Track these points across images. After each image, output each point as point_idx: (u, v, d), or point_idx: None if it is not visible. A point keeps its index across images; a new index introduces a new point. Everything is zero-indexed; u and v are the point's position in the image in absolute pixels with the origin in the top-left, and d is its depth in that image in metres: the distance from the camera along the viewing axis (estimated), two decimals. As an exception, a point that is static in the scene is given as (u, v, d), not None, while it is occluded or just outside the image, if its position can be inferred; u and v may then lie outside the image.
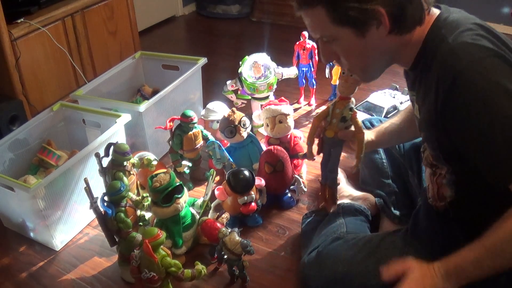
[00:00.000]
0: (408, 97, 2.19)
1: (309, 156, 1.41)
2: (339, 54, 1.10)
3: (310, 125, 1.43)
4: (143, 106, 1.89)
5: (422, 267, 1.02)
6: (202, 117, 2.04)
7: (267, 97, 2.12)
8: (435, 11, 1.07)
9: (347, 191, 1.67)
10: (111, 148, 1.58)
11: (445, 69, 0.97)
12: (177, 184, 1.48)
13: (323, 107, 2.34)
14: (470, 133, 0.96)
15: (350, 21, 1.01)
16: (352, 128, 1.34)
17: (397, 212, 1.53)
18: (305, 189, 1.75)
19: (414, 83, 1.13)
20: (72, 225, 1.70)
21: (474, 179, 1.04)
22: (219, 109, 2.02)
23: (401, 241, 1.26)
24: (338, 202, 1.61)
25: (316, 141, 1.39)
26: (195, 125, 1.82)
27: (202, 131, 1.85)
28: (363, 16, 1.00)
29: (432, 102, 1.01)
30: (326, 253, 1.28)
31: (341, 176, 1.75)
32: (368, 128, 1.71)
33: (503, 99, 0.91)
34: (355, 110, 1.34)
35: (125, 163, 1.59)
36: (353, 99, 1.35)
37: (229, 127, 1.75)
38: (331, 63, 2.32)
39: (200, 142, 1.84)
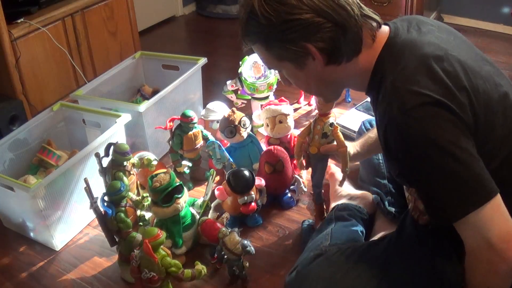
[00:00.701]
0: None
1: (300, 167, 1.50)
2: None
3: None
4: (143, 106, 1.89)
5: None
6: (202, 117, 2.04)
7: (267, 97, 2.12)
8: (384, 32, 1.07)
9: (345, 191, 1.67)
10: (111, 148, 1.58)
11: (383, 114, 0.99)
12: (177, 184, 1.48)
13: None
14: (409, 178, 1.02)
15: (285, 57, 1.06)
16: (335, 142, 1.39)
17: (391, 209, 1.53)
18: (305, 189, 1.75)
19: (372, 105, 1.14)
20: (72, 225, 1.70)
21: None
22: (219, 109, 2.02)
23: (384, 253, 1.22)
24: (335, 204, 1.61)
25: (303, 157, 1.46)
26: (195, 125, 1.82)
27: (202, 131, 1.85)
28: (294, 54, 1.03)
29: (381, 141, 1.04)
30: (305, 273, 1.24)
31: (340, 176, 1.75)
32: (368, 130, 1.71)
33: (430, 152, 0.93)
34: (336, 125, 1.38)
35: (125, 163, 1.59)
36: (333, 114, 1.40)
37: (229, 127, 1.75)
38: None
39: (200, 142, 1.84)
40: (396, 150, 0.99)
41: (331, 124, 1.39)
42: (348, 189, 1.68)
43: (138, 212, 1.64)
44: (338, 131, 1.39)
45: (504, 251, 0.93)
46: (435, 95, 0.93)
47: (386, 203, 1.55)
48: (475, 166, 0.94)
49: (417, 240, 1.18)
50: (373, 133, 1.49)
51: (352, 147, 1.48)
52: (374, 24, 1.05)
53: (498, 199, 0.95)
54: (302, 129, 1.48)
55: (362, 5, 1.05)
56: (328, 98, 1.25)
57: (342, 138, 1.38)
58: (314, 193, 1.56)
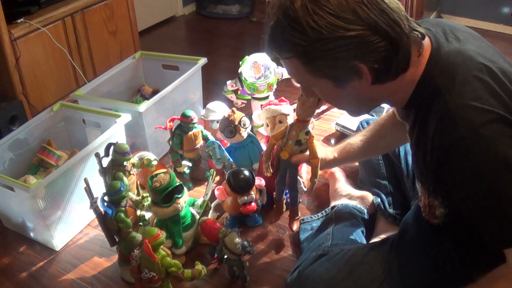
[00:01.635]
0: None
1: (265, 171, 1.43)
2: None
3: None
4: (143, 106, 1.89)
5: None
6: (202, 117, 2.04)
7: (267, 97, 2.12)
8: (426, 44, 0.99)
9: (345, 190, 1.67)
10: (111, 148, 1.58)
11: (441, 135, 0.91)
12: (177, 184, 1.48)
13: (323, 107, 2.35)
14: (466, 201, 0.93)
15: (327, 75, 0.96)
16: (307, 152, 1.34)
17: (392, 211, 1.53)
18: (305, 189, 1.75)
19: (407, 116, 1.08)
20: (72, 225, 1.70)
21: None
22: (219, 109, 2.02)
23: (385, 256, 1.22)
24: (334, 203, 1.62)
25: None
26: (195, 125, 1.82)
27: (202, 131, 1.85)
28: (341, 72, 0.94)
29: (428, 161, 0.96)
30: (307, 274, 1.23)
31: (339, 176, 1.75)
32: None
33: (502, 171, 0.86)
34: (312, 134, 1.33)
35: (125, 163, 1.59)
36: (312, 122, 1.35)
37: (229, 127, 1.75)
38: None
39: (200, 142, 1.84)
40: (457, 171, 0.91)
41: (307, 133, 1.34)
42: (347, 188, 1.69)
43: (138, 212, 1.64)
44: (314, 141, 1.34)
45: None
46: (499, 111, 0.87)
47: (387, 205, 1.55)
48: None
49: (419, 242, 1.18)
50: (353, 140, 1.44)
51: (330, 153, 1.45)
52: (420, 36, 0.97)
53: None
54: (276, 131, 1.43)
55: (408, 17, 0.96)
56: (356, 114, 1.16)
57: (316, 149, 1.34)
58: (291, 197, 1.54)
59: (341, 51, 0.90)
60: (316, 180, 1.35)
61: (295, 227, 1.58)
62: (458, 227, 1.12)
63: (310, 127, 1.37)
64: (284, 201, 1.66)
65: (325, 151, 1.45)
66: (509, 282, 0.91)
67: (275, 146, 1.42)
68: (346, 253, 1.27)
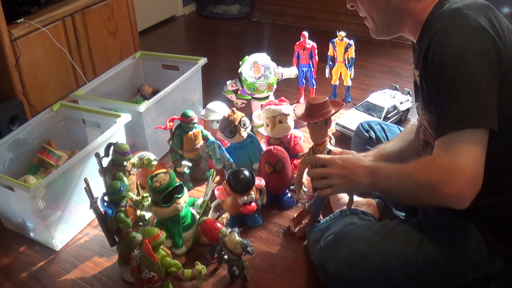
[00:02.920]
0: (408, 97, 2.19)
1: (300, 199, 1.54)
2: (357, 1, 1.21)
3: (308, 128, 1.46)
4: (143, 106, 1.89)
5: (357, 159, 1.24)
6: (202, 117, 2.04)
7: (267, 97, 2.12)
8: None
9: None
10: (111, 148, 1.58)
11: (431, 28, 1.07)
12: (177, 184, 1.48)
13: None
14: (432, 86, 1.06)
15: None
16: None
17: (398, 213, 1.53)
18: (305, 189, 1.75)
19: (419, 57, 1.16)
20: (72, 225, 1.70)
21: None
22: (219, 109, 2.02)
23: (416, 228, 1.24)
24: (341, 209, 1.61)
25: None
26: (195, 125, 1.82)
27: (202, 131, 1.85)
28: None
29: (427, 77, 1.08)
30: (345, 233, 1.25)
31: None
32: (367, 131, 1.71)
33: (461, 63, 1.00)
34: (334, 150, 1.40)
35: (125, 163, 1.59)
36: (331, 137, 1.43)
37: (229, 127, 1.75)
38: (330, 63, 2.32)
39: (200, 142, 1.84)
40: (429, 62, 1.04)
41: (329, 152, 1.40)
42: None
43: (138, 212, 1.64)
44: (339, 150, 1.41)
45: (464, 187, 0.99)
46: (487, 27, 1.02)
47: (392, 207, 1.54)
48: (492, 93, 1.00)
49: (443, 222, 1.19)
50: (385, 145, 1.50)
51: (364, 158, 1.45)
52: None
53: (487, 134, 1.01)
54: (302, 129, 1.48)
55: None
56: (380, 30, 1.25)
57: None
58: (313, 212, 1.56)
59: None
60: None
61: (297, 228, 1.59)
62: (476, 205, 1.12)
63: (330, 145, 1.42)
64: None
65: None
66: (431, 172, 1.03)
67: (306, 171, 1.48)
68: (376, 223, 1.33)
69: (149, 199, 1.54)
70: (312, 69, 2.30)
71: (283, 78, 2.14)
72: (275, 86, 2.12)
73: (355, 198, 1.65)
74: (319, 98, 1.40)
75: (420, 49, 1.11)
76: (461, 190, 0.99)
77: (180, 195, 1.48)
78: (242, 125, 1.76)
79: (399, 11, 1.17)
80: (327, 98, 1.40)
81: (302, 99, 2.40)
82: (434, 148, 1.04)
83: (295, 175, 1.58)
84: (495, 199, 1.10)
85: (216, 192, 1.64)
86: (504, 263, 1.11)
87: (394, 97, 2.17)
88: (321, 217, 1.56)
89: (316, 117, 1.39)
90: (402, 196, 1.15)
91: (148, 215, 1.64)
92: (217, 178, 1.88)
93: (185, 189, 1.52)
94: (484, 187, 1.03)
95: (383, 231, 1.25)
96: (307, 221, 1.58)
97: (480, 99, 0.99)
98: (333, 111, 1.40)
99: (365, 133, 1.71)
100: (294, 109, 1.50)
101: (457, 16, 1.03)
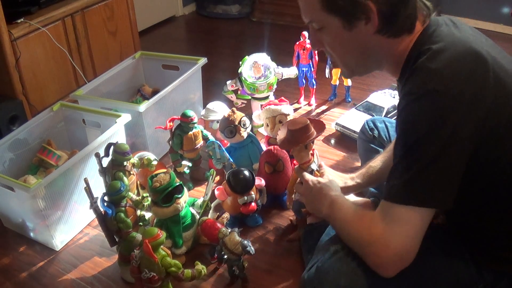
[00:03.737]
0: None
1: (288, 204, 1.56)
2: (325, 44, 1.12)
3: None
4: (143, 106, 1.89)
5: (326, 187, 1.26)
6: (202, 117, 2.04)
7: (267, 97, 2.12)
8: (428, 20, 1.06)
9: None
10: (111, 148, 1.58)
11: (406, 85, 1.01)
12: (177, 184, 1.48)
13: (323, 107, 2.35)
14: (396, 138, 1.04)
15: (340, 10, 1.02)
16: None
17: None
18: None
19: (399, 90, 1.15)
20: (72, 225, 1.70)
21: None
22: (219, 109, 2.02)
23: None
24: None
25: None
26: (195, 125, 1.82)
27: (202, 131, 1.85)
28: (353, 8, 1.00)
29: None
30: (327, 267, 1.20)
31: (340, 176, 1.73)
32: (371, 129, 1.71)
33: (413, 135, 0.96)
34: (316, 171, 1.41)
35: (125, 163, 1.59)
36: (316, 156, 1.45)
37: (229, 127, 1.75)
38: (330, 63, 2.32)
39: (200, 142, 1.84)
40: (400, 113, 1.01)
41: (311, 172, 1.40)
42: (348, 196, 1.66)
43: (138, 212, 1.64)
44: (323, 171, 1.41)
45: (389, 259, 1.00)
46: (463, 91, 0.93)
47: None
48: (455, 171, 0.96)
49: (431, 239, 1.18)
50: (374, 164, 1.49)
51: (350, 180, 1.49)
52: (426, 10, 1.04)
53: (432, 215, 0.99)
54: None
55: None
56: (355, 71, 1.19)
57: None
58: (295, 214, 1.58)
59: None
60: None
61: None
62: (463, 226, 1.13)
63: (314, 165, 1.43)
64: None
65: (344, 180, 1.49)
66: (360, 222, 1.08)
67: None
68: None
69: (149, 199, 1.54)
70: (312, 69, 2.30)
71: (283, 78, 2.14)
72: (275, 86, 2.12)
73: (354, 198, 1.65)
74: (297, 123, 1.38)
75: (402, 87, 1.07)
76: (385, 263, 1.01)
77: (180, 195, 1.48)
78: (242, 125, 1.76)
79: (377, 53, 1.09)
80: (307, 122, 1.38)
81: (302, 99, 2.40)
82: (378, 207, 1.04)
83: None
84: (483, 223, 1.09)
85: (216, 192, 1.64)
86: (493, 278, 1.09)
87: (394, 97, 2.17)
88: (312, 219, 1.56)
89: (294, 143, 1.38)
90: (344, 239, 1.15)
91: (148, 215, 1.64)
92: (217, 178, 1.88)
93: (185, 189, 1.52)
94: (472, 211, 1.05)
95: None
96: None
97: (431, 178, 0.95)
98: (313, 136, 1.39)
99: (370, 132, 1.71)
100: (277, 135, 1.51)
101: (430, 81, 0.95)
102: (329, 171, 1.45)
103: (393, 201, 1.00)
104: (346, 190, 1.46)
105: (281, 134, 1.44)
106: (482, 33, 1.09)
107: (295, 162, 1.61)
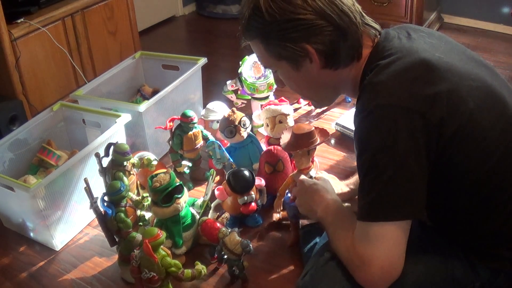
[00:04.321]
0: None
1: (275, 207, 1.57)
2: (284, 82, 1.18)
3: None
4: (143, 106, 1.89)
5: (322, 189, 1.26)
6: (202, 117, 2.04)
7: (267, 97, 2.12)
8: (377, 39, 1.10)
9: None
10: (111, 148, 1.58)
11: (356, 105, 1.04)
12: (177, 184, 1.48)
13: (324, 108, 2.34)
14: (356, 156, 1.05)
15: (283, 56, 1.08)
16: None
17: None
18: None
19: None
20: (72, 225, 1.70)
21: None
22: (219, 109, 2.02)
23: None
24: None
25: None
26: (195, 125, 1.82)
27: (202, 131, 1.85)
28: (294, 53, 1.06)
29: None
30: (321, 275, 1.19)
31: (335, 183, 1.71)
32: None
33: (380, 154, 0.97)
34: (315, 177, 1.42)
35: (125, 163, 1.59)
36: (316, 164, 1.48)
37: (229, 127, 1.75)
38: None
39: (200, 142, 1.84)
40: (354, 133, 1.04)
41: (310, 178, 1.41)
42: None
43: (138, 212, 1.64)
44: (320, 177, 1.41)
45: (374, 278, 1.00)
46: (405, 98, 0.94)
47: None
48: (417, 180, 0.97)
49: (425, 240, 1.18)
50: None
51: (345, 186, 1.52)
52: (373, 31, 1.08)
53: (409, 224, 1.00)
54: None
55: (364, 14, 1.09)
56: (319, 103, 1.27)
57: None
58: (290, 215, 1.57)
59: (291, 32, 1.03)
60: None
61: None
62: (452, 226, 1.13)
63: (314, 171, 1.45)
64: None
65: (340, 186, 1.52)
66: (347, 237, 1.07)
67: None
68: None
69: (149, 199, 1.54)
70: (312, 69, 2.29)
71: (283, 78, 2.14)
72: (275, 86, 2.12)
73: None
74: (304, 128, 1.41)
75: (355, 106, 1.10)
76: (373, 279, 1.01)
77: (180, 195, 1.48)
78: (242, 125, 1.76)
79: (331, 84, 1.14)
80: (312, 128, 1.41)
81: (302, 99, 2.40)
82: (356, 228, 1.05)
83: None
84: (471, 222, 1.08)
85: (216, 192, 1.64)
86: (489, 275, 1.09)
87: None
88: (305, 222, 1.56)
89: (298, 147, 1.40)
90: (333, 246, 1.15)
91: (148, 215, 1.64)
92: (217, 178, 1.88)
93: (185, 189, 1.52)
94: (458, 211, 1.06)
95: None
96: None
97: (395, 191, 0.97)
98: (317, 142, 1.41)
99: None
100: (281, 137, 1.54)
101: (376, 96, 0.97)
102: (327, 179, 1.45)
103: (365, 220, 1.01)
104: (342, 196, 1.46)
105: (285, 137, 1.46)
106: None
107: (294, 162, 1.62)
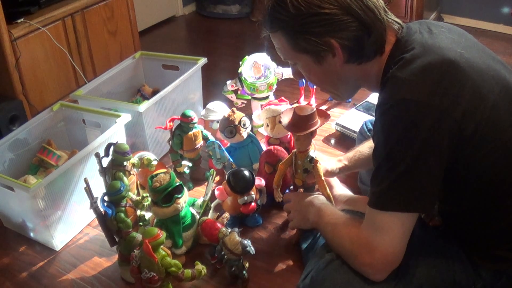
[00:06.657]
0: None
1: (277, 198, 1.55)
2: (304, 75, 1.18)
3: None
4: (143, 106, 1.89)
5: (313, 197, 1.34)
6: (202, 117, 2.04)
7: (267, 97, 2.12)
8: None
9: (345, 196, 1.63)
10: (111, 148, 1.58)
11: (379, 98, 1.05)
12: (177, 184, 1.48)
13: (323, 107, 2.35)
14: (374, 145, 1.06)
15: (306, 50, 1.07)
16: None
17: None
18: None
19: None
20: (72, 225, 1.70)
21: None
22: (219, 109, 2.02)
23: None
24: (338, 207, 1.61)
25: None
26: (195, 125, 1.82)
27: (202, 131, 1.85)
28: (317, 47, 1.05)
29: None
30: (322, 278, 1.18)
31: (334, 182, 1.71)
32: (369, 130, 1.71)
33: (398, 145, 0.98)
34: (316, 158, 1.44)
35: (125, 163, 1.59)
36: (313, 146, 1.46)
37: (229, 127, 1.75)
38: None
39: (200, 142, 1.84)
40: (375, 122, 1.04)
41: (311, 160, 1.43)
42: (347, 193, 1.66)
43: (138, 212, 1.64)
44: (318, 165, 1.43)
45: (376, 264, 1.02)
46: (434, 100, 0.94)
47: None
48: (431, 176, 0.98)
49: (426, 242, 1.17)
50: (362, 148, 1.53)
51: (339, 162, 1.55)
52: (396, 26, 1.08)
53: (416, 217, 1.01)
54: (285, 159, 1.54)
55: (387, 10, 1.08)
56: (340, 96, 1.25)
57: (320, 173, 1.43)
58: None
59: (315, 26, 1.02)
60: (331, 196, 1.45)
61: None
62: (458, 226, 1.13)
63: (312, 152, 1.45)
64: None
65: (334, 162, 1.55)
66: (347, 227, 1.13)
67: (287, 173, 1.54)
68: None
69: (149, 199, 1.54)
70: (312, 69, 2.29)
71: (283, 78, 2.14)
72: (275, 86, 2.12)
73: (350, 196, 1.65)
74: (306, 109, 1.40)
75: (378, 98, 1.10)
76: (374, 267, 1.03)
77: (180, 195, 1.48)
78: (242, 125, 1.76)
79: (353, 78, 1.13)
80: (315, 109, 1.41)
81: (302, 99, 2.40)
82: (366, 213, 1.06)
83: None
84: (478, 222, 1.09)
85: (216, 192, 1.64)
86: (492, 277, 1.09)
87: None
88: None
89: (302, 129, 1.39)
90: (331, 244, 1.17)
91: (148, 215, 1.64)
92: (217, 178, 1.88)
93: (185, 189, 1.52)
94: (467, 211, 1.07)
95: None
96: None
97: (409, 184, 0.98)
98: (318, 123, 1.41)
99: (368, 133, 1.71)
100: (280, 116, 1.53)
101: (400, 91, 0.97)
102: (321, 156, 1.51)
103: (375, 207, 1.02)
104: (337, 172, 1.53)
105: (286, 118, 1.45)
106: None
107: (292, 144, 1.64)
